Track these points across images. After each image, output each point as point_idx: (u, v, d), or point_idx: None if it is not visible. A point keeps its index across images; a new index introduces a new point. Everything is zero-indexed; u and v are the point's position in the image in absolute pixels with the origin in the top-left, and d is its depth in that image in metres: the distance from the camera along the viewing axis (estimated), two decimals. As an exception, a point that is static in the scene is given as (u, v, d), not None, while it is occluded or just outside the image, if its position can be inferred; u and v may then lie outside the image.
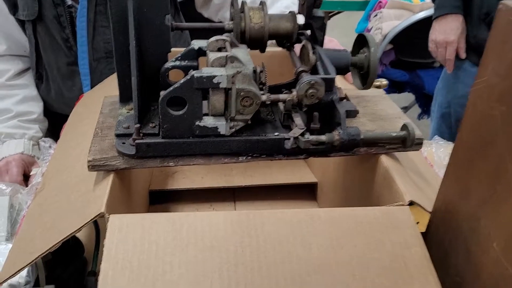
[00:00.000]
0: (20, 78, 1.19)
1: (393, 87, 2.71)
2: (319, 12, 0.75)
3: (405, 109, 3.37)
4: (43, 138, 0.95)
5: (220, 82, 0.62)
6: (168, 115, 0.63)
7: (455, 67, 1.69)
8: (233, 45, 0.69)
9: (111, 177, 0.65)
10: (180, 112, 0.64)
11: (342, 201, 0.92)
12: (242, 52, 0.68)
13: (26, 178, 1.07)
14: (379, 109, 0.83)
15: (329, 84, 0.68)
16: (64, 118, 1.24)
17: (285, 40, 0.78)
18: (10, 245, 0.72)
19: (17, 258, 0.63)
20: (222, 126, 0.65)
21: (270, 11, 1.16)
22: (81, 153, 0.81)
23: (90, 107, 1.00)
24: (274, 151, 0.69)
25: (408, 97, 3.10)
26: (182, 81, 0.61)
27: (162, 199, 1.08)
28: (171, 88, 0.62)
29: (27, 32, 1.15)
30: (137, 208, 0.85)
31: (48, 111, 1.25)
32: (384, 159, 0.72)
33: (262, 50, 0.76)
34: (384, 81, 0.77)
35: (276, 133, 0.70)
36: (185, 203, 1.08)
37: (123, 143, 0.67)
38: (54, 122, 1.26)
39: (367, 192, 0.77)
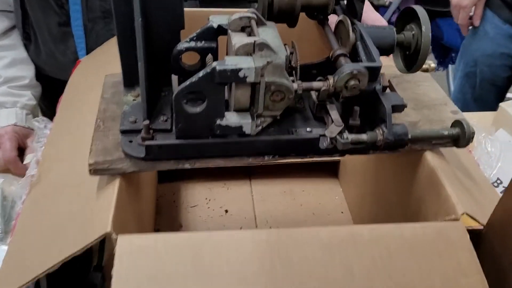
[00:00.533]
0: (6, 38, 1.05)
1: (409, 37, 2.55)
2: (361, -20, 0.63)
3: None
4: (36, 118, 0.84)
5: (247, 76, 0.51)
6: (184, 113, 0.53)
7: (484, 22, 1.56)
8: (259, 22, 0.58)
9: (116, 183, 0.55)
10: (198, 110, 0.54)
11: (373, 190, 0.83)
12: (271, 33, 0.57)
13: (21, 151, 0.98)
14: (422, 93, 0.72)
15: (374, 73, 0.57)
16: (57, 82, 1.13)
17: (318, 12, 0.66)
18: (4, 247, 0.64)
19: (13, 274, 0.56)
20: (248, 125, 0.55)
21: None
22: (80, 140, 0.71)
23: (89, 78, 0.89)
24: (307, 151, 0.59)
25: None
26: (201, 74, 0.50)
27: (172, 177, 0.99)
28: (187, 83, 0.51)
29: None
30: (146, 205, 0.77)
31: (39, 74, 1.12)
32: (430, 157, 0.63)
33: (292, 24, 0.64)
34: (433, 64, 0.66)
35: (308, 129, 0.60)
36: (197, 182, 1.00)
37: (130, 141, 0.57)
38: (46, 86, 1.15)
39: (405, 190, 0.68)
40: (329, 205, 0.97)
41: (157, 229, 0.90)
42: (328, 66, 0.64)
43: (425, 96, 0.71)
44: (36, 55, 1.10)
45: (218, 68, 0.50)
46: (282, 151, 0.59)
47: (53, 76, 1.12)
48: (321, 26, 0.66)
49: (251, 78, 0.51)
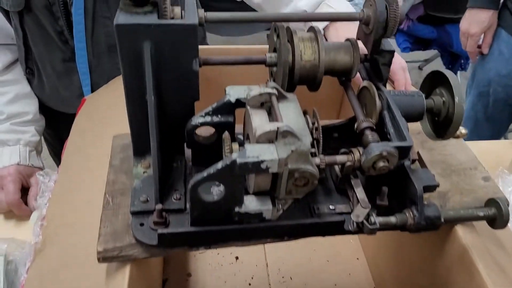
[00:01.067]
0: (9, 72, 1.01)
1: (418, 44, 2.50)
2: (389, 44, 0.58)
3: (426, 61, 3.17)
4: (40, 172, 0.81)
5: (269, 167, 0.47)
6: (200, 202, 0.49)
7: (498, 42, 1.51)
8: (280, 96, 0.53)
9: (127, 271, 0.52)
10: (216, 198, 0.50)
11: (391, 244, 0.80)
12: (293, 110, 0.52)
13: (24, 190, 0.94)
14: (449, 155, 0.68)
15: (404, 153, 0.53)
16: (62, 115, 1.09)
17: (342, 76, 0.61)
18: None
19: None
20: (268, 211, 0.51)
21: (304, 1, 0.95)
22: (86, 199, 0.68)
23: (96, 122, 0.85)
24: (331, 232, 0.56)
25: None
26: (219, 165, 0.46)
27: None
28: (205, 174, 0.47)
29: (12, 22, 0.96)
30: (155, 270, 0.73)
31: (43, 106, 1.08)
32: (461, 232, 0.59)
33: (314, 89, 0.59)
34: (464, 131, 0.61)
35: (331, 206, 0.56)
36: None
37: (141, 224, 0.53)
38: (50, 117, 1.11)
39: (431, 262, 0.64)
40: (344, 250, 0.93)
41: (165, 279, 0.87)
42: (351, 129, 0.60)
43: (453, 159, 0.67)
44: (40, 89, 1.06)
45: (239, 161, 0.45)
46: (304, 234, 0.55)
47: (57, 110, 1.08)
48: (344, 88, 0.62)
49: (274, 169, 0.47)
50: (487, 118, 1.65)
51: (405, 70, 0.93)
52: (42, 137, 1.13)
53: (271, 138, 0.48)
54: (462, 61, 2.57)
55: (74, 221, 0.65)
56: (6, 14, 0.94)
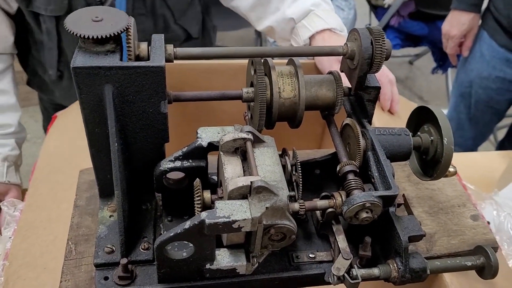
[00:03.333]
0: None
1: (409, 40, 2.45)
2: (375, 80, 0.54)
3: (417, 56, 3.13)
4: (3, 202, 0.76)
5: (242, 227, 0.43)
6: (167, 260, 0.45)
7: (480, 43, 1.49)
8: (256, 140, 0.49)
9: (90, 331, 0.48)
10: (185, 255, 0.46)
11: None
12: (269, 157, 0.48)
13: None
14: (437, 189, 0.64)
15: (389, 202, 0.49)
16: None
17: (325, 110, 0.57)
18: None
19: None
20: (242, 267, 0.47)
21: (292, 9, 0.91)
22: (53, 239, 0.64)
23: (65, 145, 0.80)
24: (310, 284, 0.52)
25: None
26: (187, 225, 0.42)
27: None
28: (171, 234, 0.43)
29: (43, 26, 0.95)
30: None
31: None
32: (448, 279, 0.56)
33: (295, 126, 0.55)
34: (452, 169, 0.58)
35: (311, 255, 0.53)
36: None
37: (106, 278, 0.49)
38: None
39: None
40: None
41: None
42: (333, 165, 0.56)
43: (441, 194, 0.63)
44: (66, 91, 1.06)
45: (207, 221, 0.41)
46: (282, 286, 0.51)
47: None
48: (327, 123, 0.58)
49: (247, 228, 0.43)
50: (470, 119, 1.63)
51: (393, 84, 0.89)
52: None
53: (245, 193, 0.44)
54: (453, 58, 2.54)
55: (37, 262, 0.61)
56: (35, 18, 0.94)
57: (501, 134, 2.33)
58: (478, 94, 1.56)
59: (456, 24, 1.49)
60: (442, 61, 2.57)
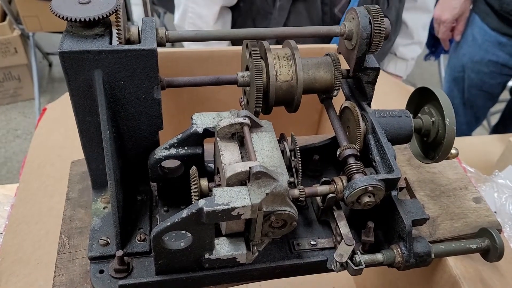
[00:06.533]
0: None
1: (400, 27, 2.44)
2: (373, 61, 0.52)
3: (408, 44, 3.11)
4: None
5: (241, 214, 0.41)
6: (164, 251, 0.44)
7: (472, 27, 1.48)
8: (253, 125, 0.48)
9: (86, 326, 0.46)
10: (183, 245, 0.44)
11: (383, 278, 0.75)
12: (268, 141, 0.47)
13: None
14: (438, 172, 0.63)
15: (391, 185, 0.48)
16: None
17: (322, 93, 0.56)
18: None
19: None
20: (242, 256, 0.46)
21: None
22: (45, 234, 0.62)
23: (56, 137, 0.78)
24: (312, 271, 0.51)
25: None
26: (184, 213, 0.41)
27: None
28: (168, 223, 0.41)
29: (277, 3, 1.06)
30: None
31: None
32: (452, 262, 0.55)
33: (292, 110, 0.54)
34: (454, 151, 0.56)
35: (312, 242, 0.52)
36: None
37: (101, 271, 0.47)
38: None
39: (420, 288, 0.60)
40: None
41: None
42: (333, 149, 0.55)
43: (442, 177, 0.62)
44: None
45: (206, 209, 0.40)
46: (284, 275, 0.50)
47: None
48: (325, 106, 0.56)
49: (247, 215, 0.41)
50: (464, 104, 1.62)
51: None
52: None
53: (243, 179, 0.42)
54: (445, 44, 2.53)
55: (30, 257, 0.59)
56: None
57: (494, 119, 2.33)
58: (471, 79, 1.55)
59: (447, 8, 1.48)
60: (434, 48, 2.56)
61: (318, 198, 0.53)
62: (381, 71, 0.54)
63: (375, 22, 0.48)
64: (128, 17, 2.41)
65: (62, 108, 0.86)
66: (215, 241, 0.45)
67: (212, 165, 0.54)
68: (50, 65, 2.66)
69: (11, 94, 2.38)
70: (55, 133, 0.80)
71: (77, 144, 0.52)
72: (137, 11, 2.62)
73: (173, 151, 0.48)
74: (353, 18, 0.50)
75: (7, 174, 2.01)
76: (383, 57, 1.32)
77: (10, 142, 2.18)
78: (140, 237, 0.49)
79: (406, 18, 1.28)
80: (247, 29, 0.49)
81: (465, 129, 1.71)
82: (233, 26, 1.16)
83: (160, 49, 0.45)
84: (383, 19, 0.48)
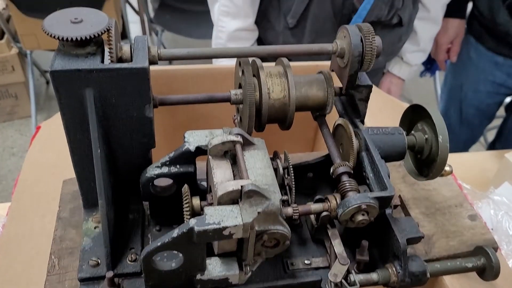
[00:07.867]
0: None
1: (396, 45, 2.45)
2: (366, 79, 0.53)
3: (404, 60, 3.13)
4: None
5: (233, 233, 0.41)
6: (155, 271, 0.43)
7: (468, 48, 1.49)
8: (245, 143, 0.47)
9: None
10: (173, 265, 0.43)
11: None
12: (260, 159, 0.47)
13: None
14: (433, 189, 0.63)
15: (385, 203, 0.47)
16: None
17: (315, 111, 0.56)
18: None
19: None
20: (235, 276, 0.45)
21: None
22: (36, 254, 0.61)
23: (49, 156, 0.78)
24: (305, 292, 0.50)
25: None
26: (175, 233, 0.40)
27: None
28: (158, 243, 0.40)
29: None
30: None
31: None
32: (448, 281, 0.54)
33: (285, 127, 0.54)
34: (448, 168, 0.56)
35: (306, 261, 0.51)
36: None
37: (91, 293, 0.46)
38: None
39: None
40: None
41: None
42: (326, 167, 0.54)
43: (437, 195, 0.62)
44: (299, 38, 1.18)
45: (197, 229, 0.39)
46: (277, 295, 0.49)
47: None
48: (318, 124, 0.56)
49: (238, 235, 0.41)
50: (461, 123, 1.62)
51: None
52: None
53: (235, 198, 0.42)
54: (441, 61, 2.54)
55: (20, 277, 0.58)
56: None
57: (490, 135, 2.33)
58: (468, 98, 1.56)
59: (442, 32, 1.49)
60: (429, 64, 2.58)
61: (312, 216, 0.53)
62: (374, 88, 0.54)
63: (367, 40, 0.48)
64: (126, 35, 2.42)
65: (56, 126, 0.85)
66: (207, 261, 0.45)
67: (205, 183, 0.53)
68: (47, 82, 2.66)
69: (8, 111, 2.38)
70: (49, 151, 0.79)
71: (70, 162, 0.52)
72: (134, 29, 2.63)
73: (165, 169, 0.48)
74: (344, 36, 0.50)
75: (2, 192, 2.00)
76: (391, 57, 1.36)
77: (5, 160, 2.18)
78: (131, 257, 0.49)
79: (417, 26, 1.31)
80: (240, 47, 0.50)
81: (462, 148, 1.71)
82: (260, 5, 1.18)
83: (155, 67, 0.45)
84: (374, 37, 0.49)
